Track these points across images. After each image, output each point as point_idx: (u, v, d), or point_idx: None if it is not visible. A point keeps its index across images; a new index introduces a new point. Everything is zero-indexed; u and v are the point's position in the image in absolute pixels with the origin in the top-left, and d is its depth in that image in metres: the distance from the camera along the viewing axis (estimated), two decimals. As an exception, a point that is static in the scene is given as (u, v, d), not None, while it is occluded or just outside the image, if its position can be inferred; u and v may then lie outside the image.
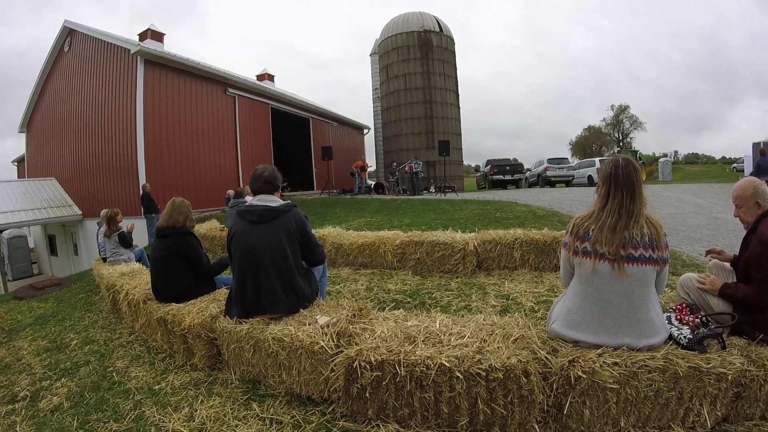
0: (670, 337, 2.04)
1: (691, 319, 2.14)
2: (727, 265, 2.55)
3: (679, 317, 2.18)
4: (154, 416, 2.44)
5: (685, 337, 2.00)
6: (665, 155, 44.61)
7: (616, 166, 2.07)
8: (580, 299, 2.08)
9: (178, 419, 2.37)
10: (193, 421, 2.34)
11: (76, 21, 15.03)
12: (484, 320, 2.40)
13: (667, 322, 2.11)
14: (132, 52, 12.11)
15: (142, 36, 14.40)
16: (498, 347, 2.03)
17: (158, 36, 14.66)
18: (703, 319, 2.09)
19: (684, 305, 2.27)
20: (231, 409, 2.39)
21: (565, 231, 2.22)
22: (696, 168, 37.38)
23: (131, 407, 2.60)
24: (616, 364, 1.88)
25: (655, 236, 1.97)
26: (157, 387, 2.83)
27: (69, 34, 15.12)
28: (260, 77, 22.49)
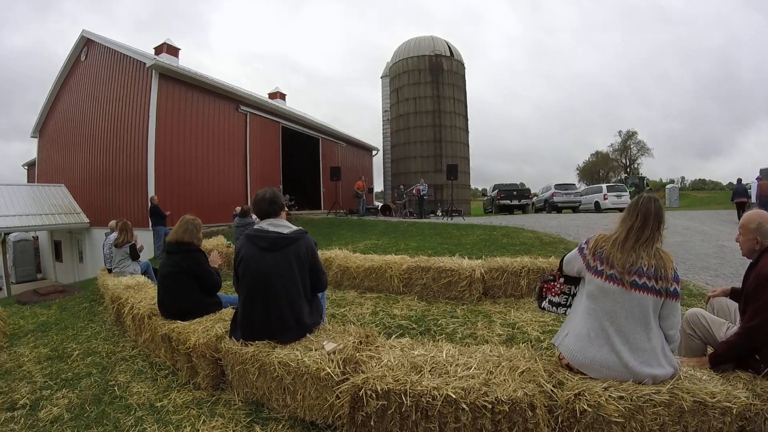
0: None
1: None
2: (729, 300, 2.58)
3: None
4: (156, 434, 2.42)
5: None
6: (672, 181, 44.46)
7: (639, 199, 2.19)
8: (586, 316, 2.14)
9: (180, 439, 2.35)
10: (195, 441, 2.32)
11: (92, 30, 15.35)
12: (490, 351, 2.40)
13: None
14: (147, 65, 12.31)
15: (158, 50, 14.70)
16: (504, 379, 2.03)
17: (173, 50, 14.97)
18: None
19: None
20: (233, 431, 2.37)
21: (586, 240, 2.29)
22: (703, 194, 37.18)
23: (132, 423, 2.57)
24: (621, 398, 1.89)
25: (662, 268, 2.03)
26: (159, 404, 2.80)
27: (86, 43, 15.43)
28: (272, 95, 22.89)
